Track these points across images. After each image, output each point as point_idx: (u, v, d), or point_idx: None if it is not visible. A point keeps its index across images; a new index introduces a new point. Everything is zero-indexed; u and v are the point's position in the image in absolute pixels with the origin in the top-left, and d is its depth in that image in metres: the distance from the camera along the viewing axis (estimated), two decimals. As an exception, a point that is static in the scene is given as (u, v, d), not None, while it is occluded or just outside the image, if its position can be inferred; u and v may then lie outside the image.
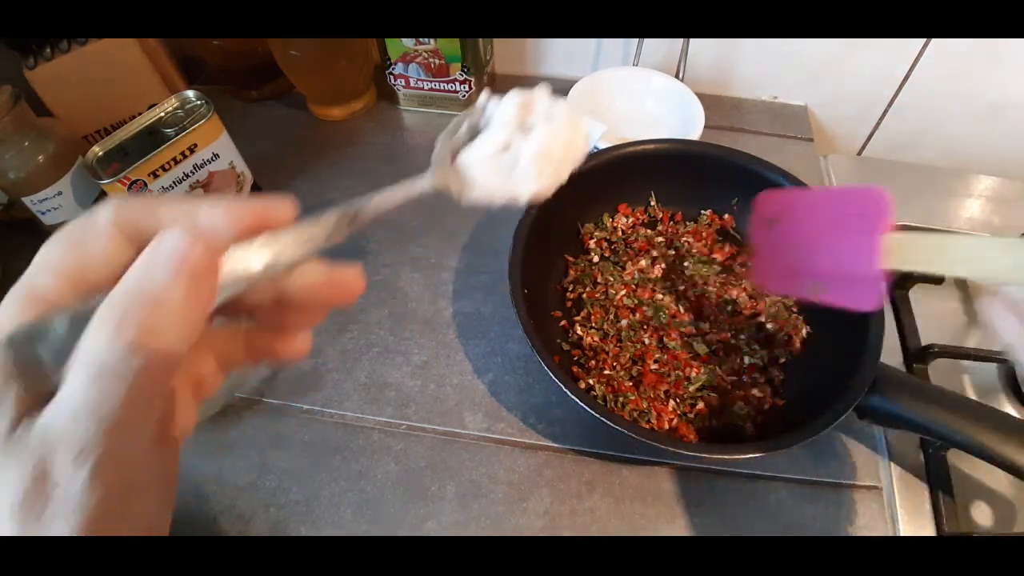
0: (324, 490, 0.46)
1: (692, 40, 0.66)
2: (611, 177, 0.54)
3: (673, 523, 0.44)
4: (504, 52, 0.73)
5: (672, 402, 0.47)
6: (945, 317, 0.57)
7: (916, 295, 0.55)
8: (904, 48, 0.64)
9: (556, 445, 0.48)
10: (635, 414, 0.46)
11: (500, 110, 0.25)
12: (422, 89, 0.69)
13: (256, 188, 0.62)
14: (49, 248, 0.19)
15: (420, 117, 0.71)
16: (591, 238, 0.55)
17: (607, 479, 0.46)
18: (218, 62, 0.70)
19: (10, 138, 0.51)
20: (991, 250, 0.30)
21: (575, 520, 0.44)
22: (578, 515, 0.45)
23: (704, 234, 0.55)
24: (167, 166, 0.53)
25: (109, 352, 0.15)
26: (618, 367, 0.48)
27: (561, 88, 0.65)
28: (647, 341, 0.49)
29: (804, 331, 0.50)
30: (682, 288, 0.52)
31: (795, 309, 0.52)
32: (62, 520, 0.15)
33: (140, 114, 0.53)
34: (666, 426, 0.46)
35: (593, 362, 0.49)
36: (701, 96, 0.62)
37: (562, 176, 0.24)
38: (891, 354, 0.52)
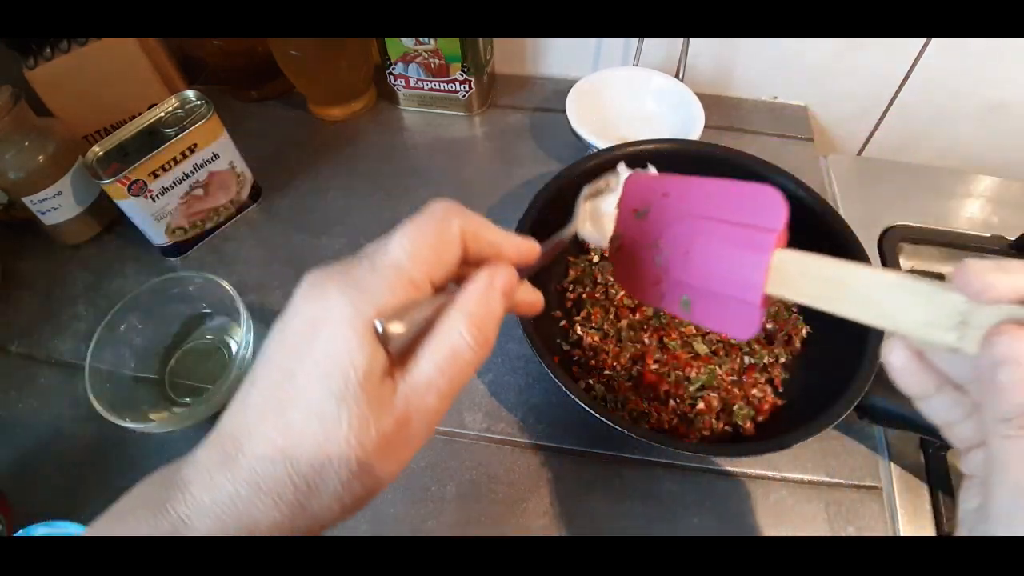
0: (324, 490, 0.46)
1: (692, 40, 0.66)
2: (611, 177, 0.54)
3: (673, 523, 0.44)
4: (504, 52, 0.73)
5: (672, 402, 0.47)
6: (945, 317, 0.57)
7: (916, 295, 0.55)
8: (904, 48, 0.64)
9: (556, 445, 0.48)
10: (635, 414, 0.46)
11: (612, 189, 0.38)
12: (422, 89, 0.69)
13: (256, 188, 0.62)
14: (415, 242, 0.23)
15: (420, 117, 0.71)
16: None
17: (607, 479, 0.46)
18: (218, 62, 0.70)
19: (10, 138, 0.51)
20: (902, 297, 0.23)
21: (575, 520, 0.44)
22: (578, 515, 0.45)
23: (704, 234, 0.55)
24: (167, 166, 0.53)
25: (465, 348, 0.22)
26: (618, 367, 0.48)
27: (561, 88, 0.65)
28: (647, 341, 0.49)
29: (804, 331, 0.50)
30: (682, 288, 0.52)
31: (795, 309, 0.52)
32: (411, 450, 0.23)
33: (140, 114, 0.53)
34: (666, 426, 0.46)
35: (593, 362, 0.49)
36: (701, 96, 0.62)
37: None
38: (891, 354, 0.52)
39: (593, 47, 0.72)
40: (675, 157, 0.55)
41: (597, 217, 0.38)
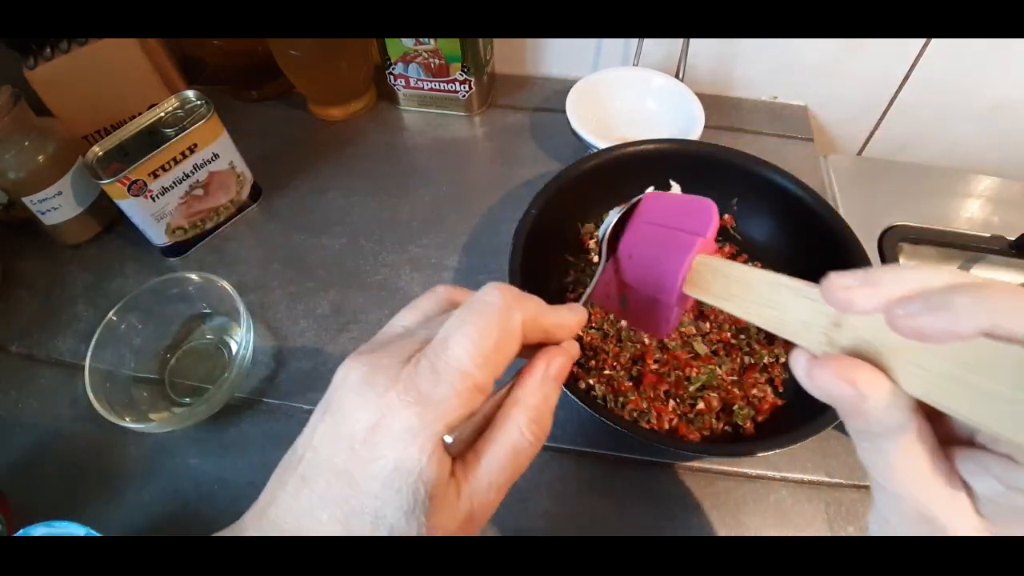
0: (324, 490, 0.46)
1: (692, 40, 0.66)
2: (611, 177, 0.54)
3: (673, 523, 0.44)
4: (504, 52, 0.73)
5: (672, 402, 0.47)
6: (945, 317, 0.56)
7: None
8: (904, 48, 0.64)
9: (556, 445, 0.48)
10: (635, 414, 0.46)
11: None
12: (422, 89, 0.69)
13: (256, 188, 0.62)
14: (481, 345, 0.22)
15: (420, 117, 0.71)
16: (591, 238, 0.55)
17: (607, 479, 0.46)
18: (218, 62, 0.70)
19: (10, 138, 0.51)
20: (789, 298, 0.24)
21: (575, 520, 0.44)
22: (578, 515, 0.45)
23: (704, 234, 0.55)
24: (167, 166, 0.53)
25: (525, 445, 0.22)
26: (618, 367, 0.48)
27: (561, 88, 0.65)
28: (647, 341, 0.49)
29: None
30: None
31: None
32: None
33: (140, 114, 0.53)
34: (666, 426, 0.46)
35: (593, 362, 0.49)
36: (701, 96, 0.62)
37: None
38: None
39: (593, 47, 0.72)
40: (675, 157, 0.55)
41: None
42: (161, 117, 0.53)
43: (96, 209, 0.59)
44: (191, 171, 0.55)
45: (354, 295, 0.56)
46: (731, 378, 0.48)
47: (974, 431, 0.21)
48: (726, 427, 0.46)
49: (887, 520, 0.22)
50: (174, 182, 0.54)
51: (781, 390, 0.48)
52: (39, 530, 0.37)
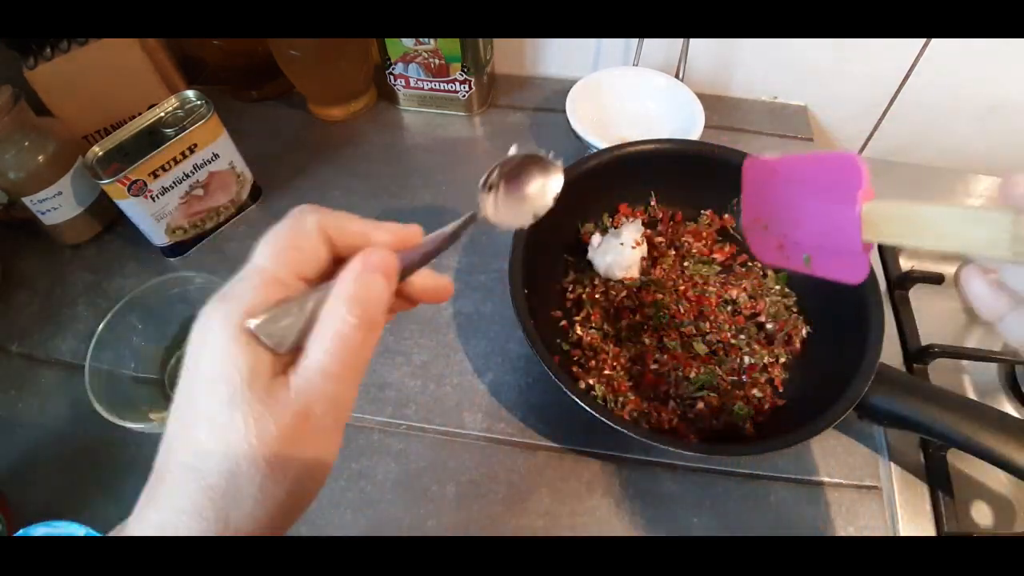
0: (324, 490, 0.45)
1: (692, 40, 0.66)
2: (611, 177, 0.54)
3: (673, 523, 0.44)
4: (504, 52, 0.73)
5: (672, 402, 0.47)
6: (945, 317, 0.56)
7: (916, 295, 0.55)
8: (904, 48, 0.64)
9: (556, 445, 0.48)
10: (635, 414, 0.46)
11: (627, 231, 0.52)
12: (422, 89, 0.69)
13: (256, 188, 0.62)
14: (273, 244, 0.23)
15: (420, 117, 0.71)
16: (591, 238, 0.55)
17: (607, 479, 0.46)
18: (218, 62, 0.70)
19: (10, 138, 0.51)
20: (965, 222, 0.28)
21: (575, 520, 0.44)
22: (578, 515, 0.45)
23: (704, 234, 0.55)
24: (167, 166, 0.53)
25: (349, 329, 0.22)
26: (618, 367, 0.48)
27: (561, 88, 0.65)
28: (647, 341, 0.49)
29: (804, 331, 0.50)
30: (682, 288, 0.52)
31: (795, 309, 0.52)
32: (327, 438, 0.23)
33: (140, 114, 0.53)
34: (666, 426, 0.46)
35: (593, 362, 0.49)
36: (701, 96, 0.62)
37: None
38: (891, 354, 0.52)
39: (593, 47, 0.72)
40: (675, 157, 0.55)
41: (612, 249, 0.50)
42: (161, 117, 0.53)
43: (96, 209, 0.58)
44: (191, 171, 0.55)
45: (354, 295, 0.56)
46: (731, 378, 0.48)
47: None
48: (726, 427, 0.46)
49: None
50: (174, 182, 0.54)
51: (781, 390, 0.48)
52: (39, 530, 0.37)
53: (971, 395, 0.51)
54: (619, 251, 0.51)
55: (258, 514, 0.21)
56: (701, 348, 0.49)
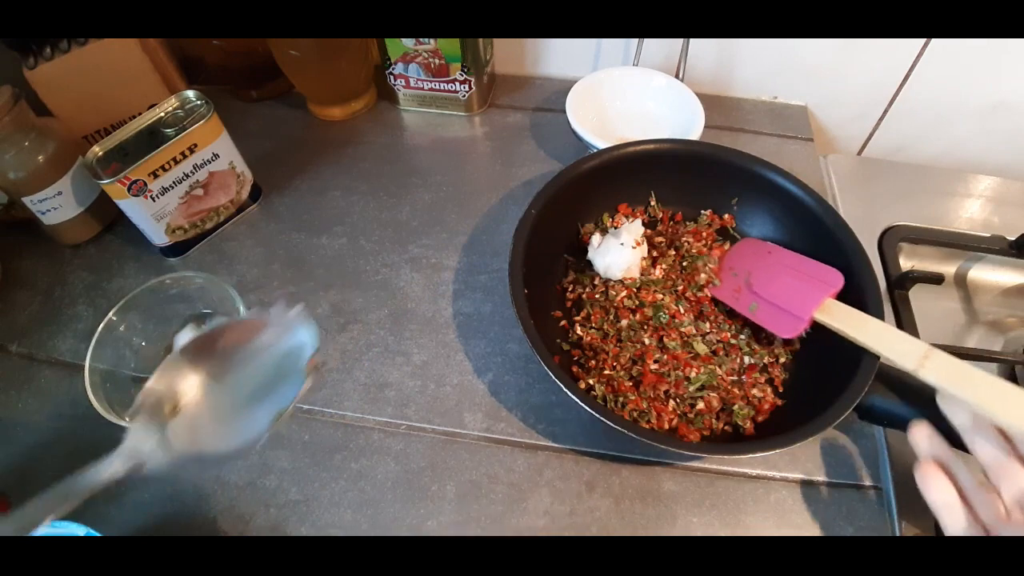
0: (324, 490, 0.46)
1: (692, 40, 0.66)
2: (611, 177, 0.54)
3: (673, 523, 0.44)
4: (504, 52, 0.73)
5: (672, 402, 0.47)
6: (945, 317, 0.57)
7: (916, 295, 0.55)
8: (904, 48, 0.64)
9: (556, 445, 0.48)
10: (635, 414, 0.46)
11: (627, 231, 0.52)
12: (422, 89, 0.69)
13: (256, 188, 0.62)
14: None
15: (420, 117, 0.71)
16: (591, 238, 0.55)
17: (607, 479, 0.46)
18: (218, 62, 0.70)
19: (10, 138, 0.51)
20: (894, 339, 0.41)
21: (575, 520, 0.44)
22: (578, 515, 0.45)
23: (704, 234, 0.55)
24: (167, 166, 0.53)
25: None
26: (618, 367, 0.48)
27: (561, 88, 0.65)
28: (647, 341, 0.49)
29: (804, 331, 0.50)
30: (682, 288, 0.52)
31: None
32: None
33: (140, 114, 0.53)
34: (666, 426, 0.46)
35: (593, 362, 0.49)
36: (701, 96, 0.62)
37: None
38: (891, 354, 0.52)
39: (593, 47, 0.72)
40: (675, 157, 0.55)
41: (612, 249, 0.52)
42: (161, 117, 0.53)
43: (96, 209, 0.59)
44: (191, 171, 0.55)
45: (354, 295, 0.56)
46: (731, 378, 0.48)
47: None
48: (726, 427, 0.46)
49: None
50: (174, 182, 0.54)
51: (781, 390, 0.48)
52: (39, 530, 0.37)
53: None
54: (619, 251, 0.51)
55: None
56: (701, 348, 0.49)
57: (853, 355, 0.43)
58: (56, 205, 0.55)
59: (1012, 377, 0.51)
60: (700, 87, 0.65)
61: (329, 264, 0.58)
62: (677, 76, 0.66)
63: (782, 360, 0.49)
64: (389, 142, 0.69)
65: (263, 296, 0.56)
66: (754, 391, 0.47)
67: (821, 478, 0.46)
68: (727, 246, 0.55)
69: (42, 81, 0.55)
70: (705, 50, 0.69)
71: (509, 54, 0.74)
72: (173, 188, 0.54)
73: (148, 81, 0.61)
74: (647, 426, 0.46)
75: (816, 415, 0.40)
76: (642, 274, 0.53)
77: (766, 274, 0.50)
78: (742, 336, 0.50)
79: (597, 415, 0.40)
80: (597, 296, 0.52)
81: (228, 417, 0.30)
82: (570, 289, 0.54)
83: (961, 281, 0.59)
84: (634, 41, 0.68)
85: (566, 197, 0.52)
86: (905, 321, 0.53)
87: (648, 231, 0.56)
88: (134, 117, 0.53)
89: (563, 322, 0.52)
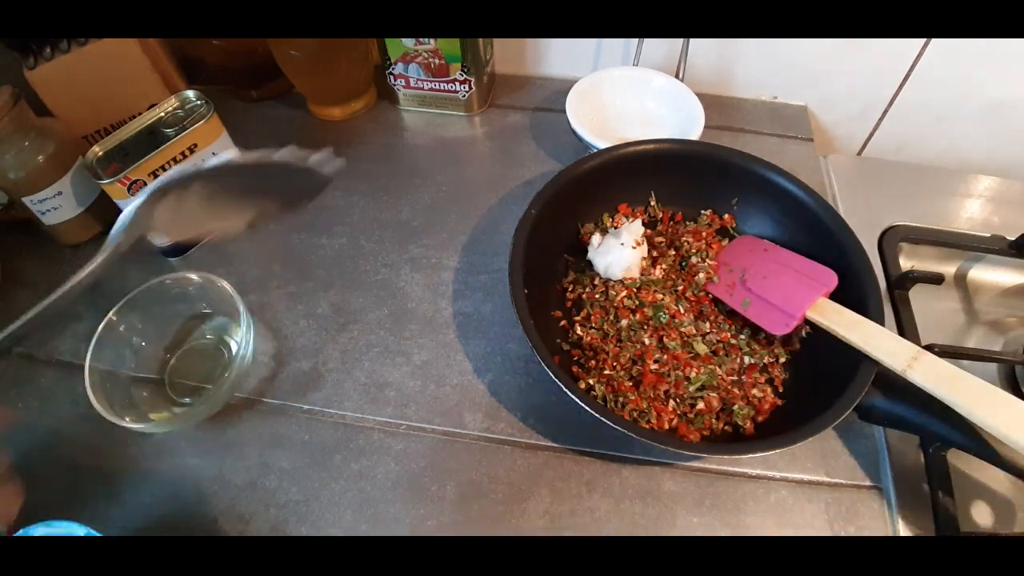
0: (324, 490, 0.46)
1: (692, 40, 0.66)
2: (611, 177, 0.54)
3: (673, 523, 0.44)
4: (504, 52, 0.73)
5: (672, 402, 0.47)
6: (945, 317, 0.57)
7: (916, 295, 0.55)
8: (904, 48, 0.64)
9: (556, 445, 0.48)
10: (635, 414, 0.46)
11: (627, 231, 0.53)
12: (422, 89, 0.69)
13: (256, 188, 0.62)
14: None
15: (420, 117, 0.71)
16: (591, 238, 0.55)
17: (607, 479, 0.46)
18: (218, 62, 0.70)
19: (10, 138, 0.51)
20: (883, 337, 0.42)
21: (575, 520, 0.44)
22: (578, 515, 0.45)
23: (704, 234, 0.55)
24: (167, 166, 0.53)
25: None
26: (618, 367, 0.48)
27: (561, 88, 0.65)
28: (647, 341, 0.49)
29: (804, 331, 0.50)
30: (682, 288, 0.52)
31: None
32: None
33: (140, 114, 0.53)
34: (666, 426, 0.46)
35: (593, 362, 0.49)
36: (701, 96, 0.62)
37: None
38: (891, 354, 0.52)
39: (593, 47, 0.72)
40: (675, 157, 0.55)
41: (612, 249, 0.52)
42: (161, 117, 0.53)
43: (96, 209, 0.58)
44: (191, 171, 0.55)
45: (354, 295, 0.56)
46: (731, 378, 0.48)
47: None
48: (726, 427, 0.46)
49: None
50: (174, 182, 0.54)
51: (781, 390, 0.48)
52: (39, 530, 0.37)
53: (971, 395, 0.51)
54: (619, 251, 0.51)
55: None
56: (701, 348, 0.49)
57: (853, 355, 0.43)
58: (56, 205, 0.55)
59: (1012, 377, 0.51)
60: (700, 87, 0.65)
61: (329, 264, 0.58)
62: (677, 76, 0.66)
63: (782, 360, 0.49)
64: (389, 142, 0.69)
65: (263, 296, 0.56)
66: (754, 391, 0.47)
67: (821, 478, 0.46)
68: (726, 244, 0.55)
69: (42, 81, 0.55)
70: (705, 50, 0.69)
71: (509, 54, 0.74)
72: (173, 188, 0.54)
73: (148, 81, 0.61)
74: (647, 426, 0.46)
75: (816, 415, 0.40)
76: (642, 274, 0.53)
77: (761, 271, 0.50)
78: (742, 336, 0.50)
79: (597, 415, 0.40)
80: (597, 296, 0.52)
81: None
82: (570, 289, 0.54)
83: (961, 281, 0.59)
84: (634, 41, 0.68)
85: (566, 197, 0.52)
86: (905, 321, 0.53)
87: (648, 231, 0.55)
88: (134, 117, 0.53)
89: (563, 322, 0.52)
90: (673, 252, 0.55)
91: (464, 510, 0.45)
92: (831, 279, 0.47)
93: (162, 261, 0.59)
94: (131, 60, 0.59)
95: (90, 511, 0.45)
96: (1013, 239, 0.58)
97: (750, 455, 0.46)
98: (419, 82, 0.68)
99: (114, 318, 0.49)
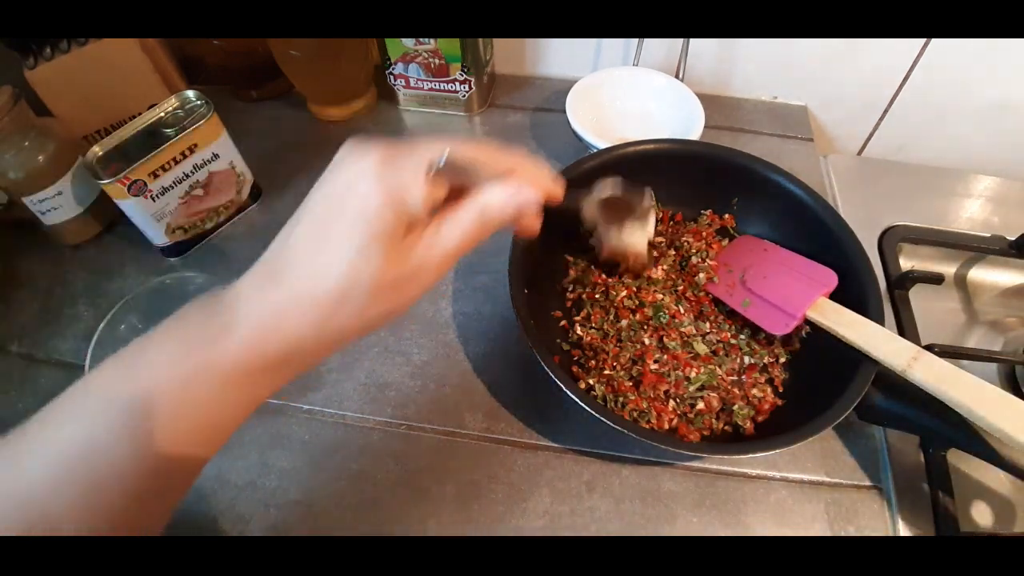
0: (324, 490, 0.46)
1: (692, 40, 0.66)
2: (611, 177, 0.54)
3: (673, 523, 0.44)
4: (504, 52, 0.73)
5: (672, 402, 0.47)
6: (945, 317, 0.57)
7: (916, 295, 0.55)
8: (904, 48, 0.64)
9: (556, 445, 0.48)
10: (635, 414, 0.46)
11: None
12: (422, 89, 0.69)
13: (256, 188, 0.62)
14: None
15: (420, 117, 0.71)
16: (591, 238, 0.55)
17: (607, 479, 0.46)
18: (218, 62, 0.70)
19: (10, 138, 0.51)
20: (884, 338, 0.42)
21: (575, 520, 0.44)
22: (578, 515, 0.45)
23: (704, 234, 0.55)
24: (167, 166, 0.53)
25: (483, 231, 0.29)
26: (618, 367, 0.48)
27: (561, 88, 0.65)
28: (647, 341, 0.49)
29: (804, 331, 0.50)
30: (682, 288, 0.52)
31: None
32: (421, 290, 0.28)
33: (140, 114, 0.53)
34: (666, 426, 0.46)
35: (593, 362, 0.49)
36: (701, 96, 0.62)
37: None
38: (891, 354, 0.52)
39: (593, 47, 0.72)
40: (675, 157, 0.55)
41: (627, 242, 0.50)
42: (161, 117, 0.53)
43: (96, 209, 0.59)
44: (191, 171, 0.55)
45: (354, 295, 0.56)
46: (731, 378, 0.48)
47: None
48: (726, 427, 0.46)
49: None
50: (174, 182, 0.54)
51: (781, 390, 0.48)
52: None
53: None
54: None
55: (353, 321, 0.27)
56: (701, 348, 0.49)
57: (853, 355, 0.43)
58: (56, 205, 0.55)
59: (1012, 377, 0.51)
60: (700, 87, 0.65)
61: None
62: (677, 76, 0.66)
63: (782, 360, 0.49)
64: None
65: (263, 296, 0.56)
66: (754, 391, 0.47)
67: (821, 478, 0.46)
68: (727, 244, 0.55)
69: (42, 81, 0.55)
70: (705, 50, 0.69)
71: (509, 54, 0.74)
72: (173, 188, 0.54)
73: (148, 81, 0.61)
74: (647, 426, 0.46)
75: (816, 415, 0.40)
76: (643, 275, 0.53)
77: (761, 271, 0.51)
78: (742, 336, 0.50)
79: (597, 415, 0.40)
80: (597, 296, 0.52)
81: None
82: (570, 289, 0.54)
83: (961, 281, 0.59)
84: (634, 41, 0.68)
85: (566, 197, 0.52)
86: (905, 321, 0.53)
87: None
88: (134, 117, 0.53)
89: (563, 322, 0.52)
90: (673, 252, 0.55)
91: (464, 510, 0.45)
92: (831, 279, 0.47)
93: (162, 261, 0.59)
94: (131, 60, 0.59)
95: (90, 511, 0.45)
96: (1013, 239, 0.58)
97: (750, 455, 0.46)
98: (419, 82, 0.68)
99: (114, 318, 0.49)
